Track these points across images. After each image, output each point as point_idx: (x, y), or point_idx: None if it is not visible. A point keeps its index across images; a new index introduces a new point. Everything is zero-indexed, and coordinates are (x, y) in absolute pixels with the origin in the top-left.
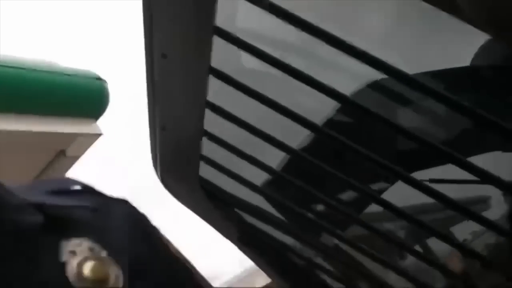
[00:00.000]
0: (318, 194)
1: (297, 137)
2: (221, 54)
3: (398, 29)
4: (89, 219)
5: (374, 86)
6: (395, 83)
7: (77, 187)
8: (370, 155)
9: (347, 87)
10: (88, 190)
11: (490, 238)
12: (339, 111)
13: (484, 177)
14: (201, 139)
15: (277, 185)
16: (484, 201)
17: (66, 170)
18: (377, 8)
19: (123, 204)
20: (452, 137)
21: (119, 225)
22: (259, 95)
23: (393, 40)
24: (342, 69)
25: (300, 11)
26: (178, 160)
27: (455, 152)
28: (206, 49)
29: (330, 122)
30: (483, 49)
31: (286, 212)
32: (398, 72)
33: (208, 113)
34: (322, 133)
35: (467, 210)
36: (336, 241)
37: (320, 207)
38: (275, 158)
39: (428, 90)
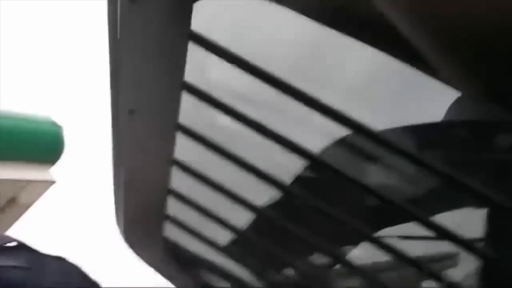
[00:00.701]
0: (284, 255)
1: (267, 194)
2: (193, 111)
3: (372, 84)
4: (22, 278)
5: (342, 143)
6: (362, 140)
7: (12, 244)
8: (337, 215)
9: (317, 144)
10: (22, 247)
11: None
12: (307, 168)
13: (447, 236)
14: (166, 198)
15: (244, 244)
16: (451, 257)
17: (18, 218)
18: (352, 62)
19: (60, 261)
20: (419, 195)
21: (55, 283)
22: (227, 153)
23: (366, 95)
24: (312, 126)
25: (272, 66)
26: (141, 219)
27: (422, 210)
28: (174, 105)
29: (298, 180)
30: (453, 107)
31: (253, 271)
32: (366, 130)
33: (176, 172)
34: (288, 192)
35: (427, 268)
36: None
37: (288, 266)
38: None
39: (397, 149)
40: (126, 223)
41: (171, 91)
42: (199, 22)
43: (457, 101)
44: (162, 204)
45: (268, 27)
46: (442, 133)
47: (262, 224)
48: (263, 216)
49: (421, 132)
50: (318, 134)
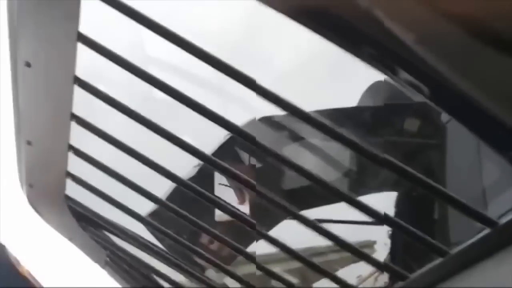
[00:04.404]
0: (201, 225)
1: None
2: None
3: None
4: None
5: (265, 120)
6: (287, 119)
7: None
8: (257, 188)
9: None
10: None
11: (375, 283)
12: (229, 141)
13: (371, 214)
14: (67, 154)
15: (160, 214)
16: (370, 246)
17: None
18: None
19: None
20: (342, 176)
21: None
22: (132, 112)
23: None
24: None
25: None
26: (43, 176)
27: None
28: (70, 57)
29: (218, 152)
30: (368, 92)
31: (167, 242)
32: (294, 108)
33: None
34: (209, 162)
35: (355, 249)
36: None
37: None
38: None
39: (319, 125)
40: (28, 182)
41: (66, 42)
42: None
43: (369, 88)
44: (63, 161)
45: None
46: (356, 117)
47: (180, 195)
48: (180, 186)
49: (339, 115)
50: (246, 110)
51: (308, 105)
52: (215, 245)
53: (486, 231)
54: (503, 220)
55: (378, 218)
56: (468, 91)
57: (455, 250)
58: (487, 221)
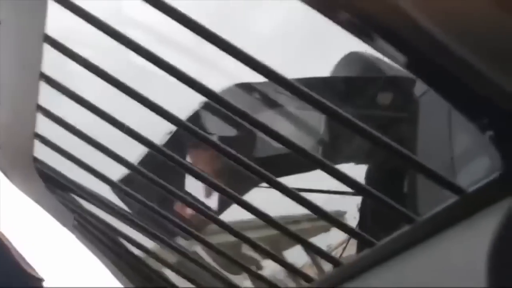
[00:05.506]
0: (173, 190)
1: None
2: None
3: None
4: None
5: (243, 86)
6: (263, 86)
7: None
8: (234, 154)
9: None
10: None
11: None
12: (204, 107)
13: (345, 180)
14: (35, 115)
15: (130, 179)
16: (340, 216)
17: None
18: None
19: None
20: (315, 144)
21: None
22: (104, 73)
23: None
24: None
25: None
26: (11, 137)
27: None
28: (40, 14)
29: (193, 117)
30: (341, 63)
31: (135, 206)
32: (273, 73)
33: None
34: (185, 128)
35: (329, 216)
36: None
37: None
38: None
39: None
40: None
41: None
42: None
43: (343, 59)
44: (31, 122)
45: None
46: (329, 87)
47: (153, 160)
48: (153, 151)
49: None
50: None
51: (285, 73)
52: (186, 213)
53: (454, 198)
54: (471, 188)
55: (351, 185)
56: (445, 57)
57: (422, 217)
58: (455, 189)
